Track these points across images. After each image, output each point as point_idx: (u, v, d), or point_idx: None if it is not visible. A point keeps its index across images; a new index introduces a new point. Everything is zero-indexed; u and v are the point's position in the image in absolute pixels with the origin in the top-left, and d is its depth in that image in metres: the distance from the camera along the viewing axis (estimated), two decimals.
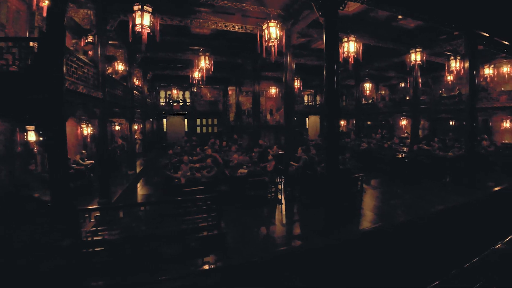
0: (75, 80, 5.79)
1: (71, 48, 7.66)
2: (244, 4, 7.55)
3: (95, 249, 4.76)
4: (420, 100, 12.84)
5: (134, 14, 6.08)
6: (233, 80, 16.08)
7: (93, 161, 9.51)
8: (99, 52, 7.36)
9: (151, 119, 17.82)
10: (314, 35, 9.87)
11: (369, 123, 20.57)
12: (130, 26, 6.38)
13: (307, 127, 22.12)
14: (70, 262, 4.52)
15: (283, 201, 7.70)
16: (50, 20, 5.12)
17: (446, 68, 10.61)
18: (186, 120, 19.76)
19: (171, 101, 18.81)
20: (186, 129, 19.77)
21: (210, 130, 20.40)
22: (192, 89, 16.59)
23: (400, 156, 10.70)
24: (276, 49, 7.05)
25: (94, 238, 4.85)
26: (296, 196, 7.93)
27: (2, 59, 4.67)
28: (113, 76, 10.16)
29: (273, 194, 7.91)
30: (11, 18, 7.20)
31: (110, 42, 10.60)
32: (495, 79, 12.44)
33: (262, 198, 7.39)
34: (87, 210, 4.96)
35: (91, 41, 8.30)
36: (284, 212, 7.02)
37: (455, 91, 14.95)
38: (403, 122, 17.47)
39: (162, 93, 19.74)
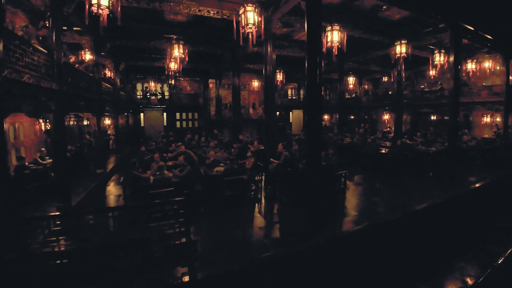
0: (20, 68, 4.99)
1: (20, 33, 6.79)
2: None
3: (45, 263, 4.12)
4: (403, 95, 12.62)
5: None
6: (213, 72, 15.32)
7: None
8: (54, 38, 6.50)
9: (126, 114, 16.80)
10: (296, 25, 9.37)
11: (352, 117, 20.43)
12: (87, 6, 5.59)
13: (290, 121, 21.74)
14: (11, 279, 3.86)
15: (263, 201, 7.22)
16: None
17: (430, 62, 10.40)
18: (165, 114, 18.84)
19: (148, 94, 17.79)
20: (165, 124, 18.88)
21: (190, 125, 19.58)
22: (170, 82, 15.65)
23: (383, 151, 10.48)
24: (255, 36, 6.48)
25: (43, 250, 4.21)
26: (277, 194, 7.49)
27: None
28: (76, 65, 9.23)
29: (252, 193, 7.42)
30: None
31: (74, 28, 9.67)
32: (477, 74, 12.44)
33: (240, 197, 6.87)
34: (31, 219, 4.29)
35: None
36: (263, 213, 6.54)
37: (437, 86, 14.92)
38: (386, 117, 17.41)
39: (139, 86, 18.64)
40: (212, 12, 7.36)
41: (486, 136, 13.23)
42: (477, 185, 8.36)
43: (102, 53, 11.42)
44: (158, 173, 6.42)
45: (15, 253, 4.05)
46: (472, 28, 9.59)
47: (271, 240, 5.21)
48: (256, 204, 7.03)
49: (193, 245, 4.69)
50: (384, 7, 9.08)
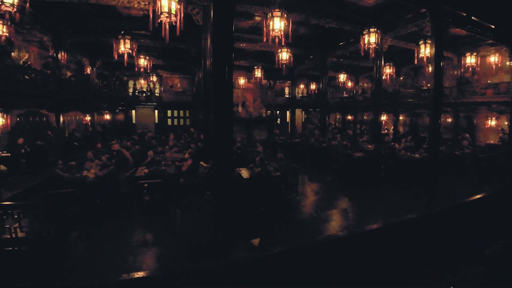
0: None
1: None
2: None
3: None
4: (381, 93, 10.73)
5: None
6: (191, 69, 14.84)
7: (9, 154, 8.81)
8: None
9: (115, 111, 16.90)
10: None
11: (350, 118, 19.00)
12: None
13: (287, 121, 20.75)
14: None
15: (193, 208, 6.57)
16: None
17: (416, 55, 9.07)
18: (156, 111, 18.76)
19: (136, 91, 17.74)
20: (156, 121, 18.81)
21: (182, 123, 19.35)
22: (150, 79, 15.42)
23: (358, 155, 9.34)
24: (178, 27, 5.89)
25: None
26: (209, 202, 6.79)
27: None
28: (29, 63, 9.16)
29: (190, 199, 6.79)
30: None
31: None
32: (478, 69, 10.73)
33: (162, 204, 6.27)
34: None
35: None
36: (186, 223, 5.89)
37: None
38: (383, 118, 15.90)
39: (131, 83, 18.69)
40: (142, 3, 6.82)
41: (492, 141, 11.43)
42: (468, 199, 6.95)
43: (74, 50, 11.42)
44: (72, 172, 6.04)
45: None
46: (464, 14, 8.17)
47: (172, 256, 4.54)
48: (182, 212, 6.40)
49: (68, 256, 4.18)
50: None
